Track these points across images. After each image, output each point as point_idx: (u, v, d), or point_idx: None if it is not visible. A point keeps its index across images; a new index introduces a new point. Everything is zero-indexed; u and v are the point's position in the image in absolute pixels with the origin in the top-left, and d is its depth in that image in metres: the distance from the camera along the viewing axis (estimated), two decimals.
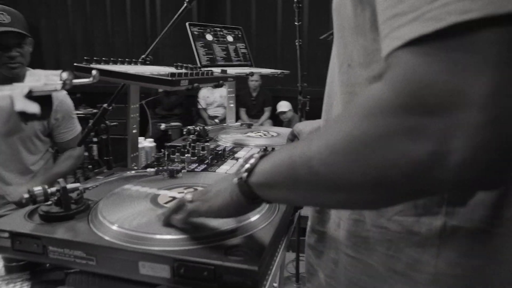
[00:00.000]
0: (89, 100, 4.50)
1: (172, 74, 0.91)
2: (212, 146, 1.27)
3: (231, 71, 1.57)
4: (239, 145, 1.33)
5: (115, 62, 1.10)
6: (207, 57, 1.70)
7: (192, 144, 1.24)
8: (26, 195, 0.74)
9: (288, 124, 4.85)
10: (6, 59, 1.53)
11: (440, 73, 0.31)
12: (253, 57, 1.87)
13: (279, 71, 1.73)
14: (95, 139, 3.36)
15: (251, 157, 0.55)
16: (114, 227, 0.67)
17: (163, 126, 1.75)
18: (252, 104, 5.36)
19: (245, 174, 0.53)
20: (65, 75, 0.50)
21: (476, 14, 0.30)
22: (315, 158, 0.41)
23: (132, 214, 0.72)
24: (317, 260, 0.70)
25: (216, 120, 4.79)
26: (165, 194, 0.82)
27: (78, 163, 1.87)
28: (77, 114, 1.88)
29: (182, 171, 0.98)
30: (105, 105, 1.34)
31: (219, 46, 1.80)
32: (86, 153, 3.30)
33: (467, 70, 0.30)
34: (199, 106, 5.44)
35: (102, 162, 3.20)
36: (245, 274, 0.57)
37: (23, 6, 5.66)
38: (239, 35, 1.94)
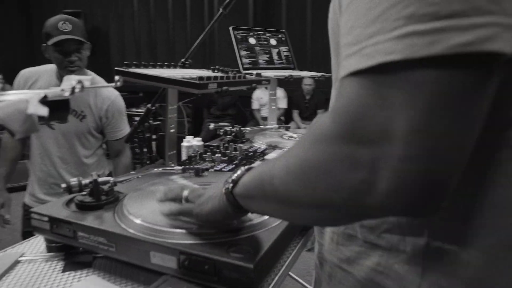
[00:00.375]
0: (151, 99, 4.76)
1: (200, 78, 0.96)
2: (245, 147, 1.31)
3: (270, 73, 1.60)
4: (272, 147, 1.36)
5: (154, 66, 1.18)
6: (249, 60, 1.75)
7: (225, 145, 1.29)
8: (64, 185, 0.83)
9: None
10: (66, 63, 1.70)
11: (371, 107, 0.33)
12: (307, 61, 1.89)
13: (319, 74, 1.73)
14: (154, 136, 3.60)
15: (238, 168, 0.58)
16: (132, 218, 0.73)
17: (212, 126, 1.83)
18: (305, 106, 5.34)
19: (230, 185, 0.57)
20: (74, 82, 0.57)
21: (397, 56, 0.31)
22: (276, 177, 0.44)
23: (150, 208, 0.78)
24: (320, 270, 0.71)
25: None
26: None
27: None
28: (139, 112, 2.01)
29: (210, 170, 1.04)
30: (148, 105, 1.43)
31: (262, 49, 1.84)
32: (145, 150, 3.56)
33: (393, 106, 0.32)
34: (253, 107, 5.54)
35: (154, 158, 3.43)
36: (241, 271, 0.60)
37: (95, 11, 6.16)
38: (283, 38, 1.96)
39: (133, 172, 1.03)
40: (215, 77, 1.03)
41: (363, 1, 0.35)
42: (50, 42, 1.65)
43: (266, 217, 0.74)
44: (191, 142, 1.90)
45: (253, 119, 5.60)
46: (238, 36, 1.80)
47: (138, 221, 0.72)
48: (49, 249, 0.85)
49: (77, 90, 0.55)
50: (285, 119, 5.55)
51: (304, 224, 0.70)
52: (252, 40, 1.83)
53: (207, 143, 1.40)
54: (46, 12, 6.71)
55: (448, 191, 0.34)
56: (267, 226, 0.73)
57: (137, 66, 1.12)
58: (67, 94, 0.51)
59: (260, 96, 5.50)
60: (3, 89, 6.00)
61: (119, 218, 0.76)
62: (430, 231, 0.47)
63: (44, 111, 0.44)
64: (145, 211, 0.77)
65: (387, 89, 0.33)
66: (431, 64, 0.31)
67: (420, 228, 0.48)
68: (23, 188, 2.02)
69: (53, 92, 0.50)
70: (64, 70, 1.71)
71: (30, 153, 1.93)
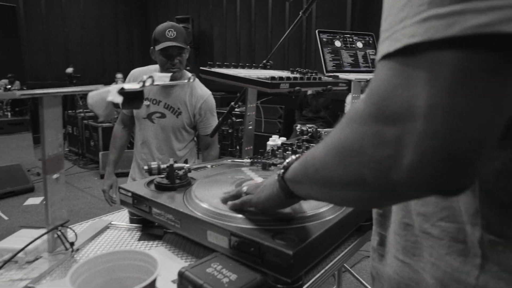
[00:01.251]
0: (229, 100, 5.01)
1: (272, 78, 1.02)
2: None
3: (352, 76, 1.59)
4: None
5: (236, 67, 1.27)
6: (334, 63, 1.76)
7: (298, 144, 1.33)
8: (146, 167, 0.96)
9: None
10: (169, 65, 1.92)
11: (397, 87, 0.35)
12: None
13: None
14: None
15: (290, 156, 0.62)
16: (197, 201, 0.82)
17: (298, 127, 1.88)
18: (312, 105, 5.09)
19: (281, 171, 0.61)
20: (145, 77, 0.67)
21: (419, 39, 0.34)
22: (317, 158, 0.48)
23: (214, 194, 0.87)
24: (379, 263, 0.71)
25: None
26: (253, 181, 0.94)
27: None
28: (235, 111, 2.18)
29: (277, 165, 1.09)
30: (232, 103, 1.54)
31: (347, 52, 1.83)
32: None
33: (416, 85, 0.34)
34: (346, 111, 5.43)
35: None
36: (281, 257, 0.64)
37: (202, 17, 6.66)
38: (370, 41, 1.92)
39: (206, 163, 1.13)
40: (288, 78, 1.08)
41: None
42: (157, 47, 1.88)
43: (319, 210, 0.77)
44: (276, 141, 1.98)
45: None
46: (324, 39, 1.82)
47: (200, 203, 0.81)
48: (131, 220, 0.99)
49: (147, 84, 0.65)
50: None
51: (345, 205, 0.73)
52: (337, 43, 1.83)
53: (284, 142, 1.45)
54: (162, 18, 7.50)
55: (474, 169, 0.34)
56: (319, 219, 0.76)
57: (220, 66, 1.22)
58: (138, 86, 0.61)
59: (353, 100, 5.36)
60: None
61: (186, 200, 0.86)
62: (482, 222, 0.46)
63: (119, 99, 0.55)
64: (209, 195, 0.85)
65: (412, 70, 0.35)
66: (450, 46, 0.32)
67: (475, 218, 0.47)
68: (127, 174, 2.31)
69: (129, 84, 0.61)
70: (166, 71, 1.94)
71: (134, 142, 2.20)
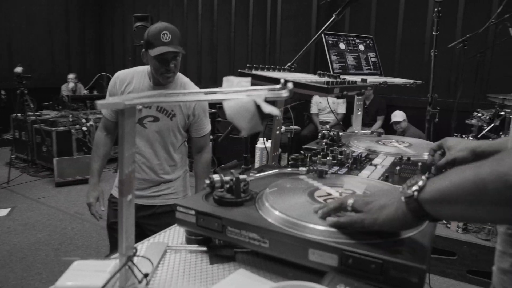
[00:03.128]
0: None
1: (327, 82, 0.99)
2: (347, 152, 1.32)
3: (358, 78, 1.60)
4: (372, 152, 1.36)
5: (268, 69, 1.22)
6: (339, 65, 1.75)
7: (330, 148, 1.30)
8: (207, 181, 0.88)
9: (402, 134, 4.65)
10: (164, 70, 1.81)
11: None
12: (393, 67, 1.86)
13: (411, 81, 1.70)
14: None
15: (416, 177, 0.61)
16: (287, 217, 0.76)
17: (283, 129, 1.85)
18: (364, 112, 5.25)
19: (415, 193, 0.59)
20: (290, 85, 0.60)
21: None
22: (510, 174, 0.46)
23: (295, 205, 0.81)
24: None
25: (327, 126, 4.82)
26: (323, 190, 0.90)
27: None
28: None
29: (331, 172, 1.06)
30: None
31: (351, 55, 1.83)
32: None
33: None
34: (312, 111, 5.54)
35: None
36: (412, 271, 0.61)
37: (162, 16, 6.42)
38: (370, 44, 1.95)
39: (253, 171, 1.06)
40: (337, 82, 1.05)
41: None
42: (153, 53, 1.75)
43: None
44: (266, 144, 1.94)
45: (310, 123, 5.59)
46: (330, 41, 1.81)
47: (291, 218, 0.75)
48: (188, 241, 0.90)
49: (289, 93, 0.58)
50: (344, 124, 5.49)
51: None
52: (342, 46, 1.84)
53: (306, 146, 1.42)
54: (117, 16, 7.13)
55: None
56: (416, 229, 0.73)
57: (256, 69, 1.16)
58: (285, 94, 0.55)
59: (319, 101, 5.47)
60: (76, 87, 6.39)
61: (266, 214, 0.79)
62: None
63: (276, 111, 0.48)
64: (290, 207, 0.80)
65: None
66: None
67: None
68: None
69: (271, 93, 0.54)
70: (160, 76, 1.82)
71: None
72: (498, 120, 3.05)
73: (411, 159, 1.25)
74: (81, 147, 5.40)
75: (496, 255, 0.73)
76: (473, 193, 0.52)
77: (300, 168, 1.04)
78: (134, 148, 0.70)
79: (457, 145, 1.02)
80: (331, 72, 1.70)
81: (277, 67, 1.28)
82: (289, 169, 1.06)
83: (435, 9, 1.85)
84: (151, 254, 0.82)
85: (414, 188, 0.60)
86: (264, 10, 5.79)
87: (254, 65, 1.17)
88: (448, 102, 4.99)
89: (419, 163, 1.16)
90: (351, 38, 1.89)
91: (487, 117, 3.19)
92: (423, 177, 0.61)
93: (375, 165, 1.19)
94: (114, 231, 2.03)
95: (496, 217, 0.55)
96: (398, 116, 4.76)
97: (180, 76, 2.00)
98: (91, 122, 5.46)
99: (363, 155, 1.30)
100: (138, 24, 5.64)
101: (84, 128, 5.36)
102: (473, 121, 3.27)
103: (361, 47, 1.90)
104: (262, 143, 1.88)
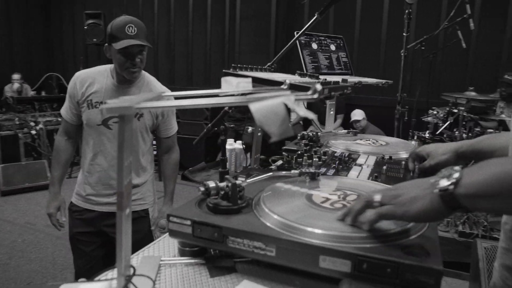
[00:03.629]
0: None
1: (321, 83, 0.97)
2: (330, 152, 1.32)
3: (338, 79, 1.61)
4: (353, 152, 1.37)
5: (251, 69, 1.18)
6: (313, 65, 1.75)
7: (313, 149, 1.29)
8: (202, 188, 0.83)
9: (362, 132, 4.79)
10: (129, 64, 1.72)
11: None
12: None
13: (383, 81, 1.74)
14: None
15: (450, 169, 0.60)
16: (291, 223, 0.73)
17: (250, 129, 1.83)
18: (324, 110, 5.35)
19: (451, 186, 0.59)
20: (319, 86, 0.57)
21: None
22: None
23: (297, 210, 0.79)
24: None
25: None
26: (318, 194, 0.87)
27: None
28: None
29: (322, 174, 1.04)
30: (226, 107, 1.44)
31: (323, 55, 1.84)
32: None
33: None
34: None
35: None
36: (429, 273, 0.60)
37: (116, 13, 6.15)
38: (341, 44, 1.97)
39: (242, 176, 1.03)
40: (326, 83, 1.04)
41: None
42: (117, 46, 1.66)
43: None
44: (233, 145, 1.91)
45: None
46: (302, 41, 1.80)
47: (299, 225, 0.72)
48: (182, 253, 0.85)
49: (322, 95, 0.55)
50: (304, 123, 5.56)
51: None
52: (314, 46, 1.84)
53: (286, 148, 1.40)
54: (66, 12, 6.73)
55: None
56: (423, 228, 0.73)
57: (240, 69, 1.12)
58: (316, 96, 0.51)
59: None
60: (22, 88, 5.95)
61: (269, 222, 0.76)
62: None
63: (311, 114, 0.45)
64: (295, 214, 0.77)
65: None
66: None
67: None
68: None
69: (303, 96, 0.51)
70: (125, 72, 1.73)
71: (82, 155, 1.92)
72: (452, 118, 3.22)
73: (393, 157, 1.27)
74: (30, 152, 5.05)
75: (499, 252, 0.75)
76: (506, 188, 0.53)
77: (292, 171, 1.02)
78: (131, 158, 0.63)
79: (438, 149, 1.05)
80: (305, 72, 1.69)
81: (259, 67, 1.25)
82: (283, 173, 1.03)
83: (406, 11, 1.91)
84: (147, 271, 0.76)
85: (450, 181, 0.60)
86: (223, 10, 5.73)
87: (238, 65, 1.13)
88: (405, 101, 5.23)
89: (402, 162, 1.18)
90: (322, 38, 1.90)
91: (442, 115, 3.36)
92: (456, 167, 0.61)
93: (361, 165, 1.20)
94: (78, 242, 1.90)
95: None
96: (357, 114, 4.89)
97: (145, 74, 1.92)
98: (40, 126, 5.11)
99: (346, 155, 1.30)
100: (90, 21, 5.37)
101: (33, 132, 5.01)
102: (429, 119, 3.44)
103: (332, 47, 1.92)
104: (232, 144, 1.85)
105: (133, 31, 1.71)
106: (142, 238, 1.84)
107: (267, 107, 0.44)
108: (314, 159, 1.17)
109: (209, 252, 0.84)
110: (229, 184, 0.83)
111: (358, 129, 4.90)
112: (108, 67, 1.84)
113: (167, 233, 0.92)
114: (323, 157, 1.25)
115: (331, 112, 1.90)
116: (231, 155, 1.89)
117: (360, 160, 1.26)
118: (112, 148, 1.84)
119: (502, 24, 4.43)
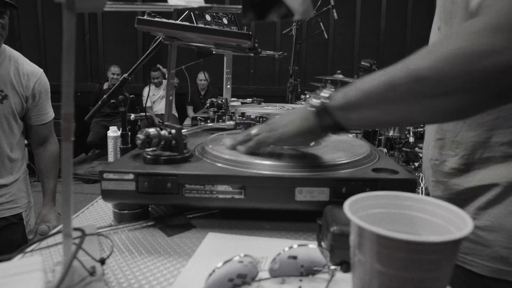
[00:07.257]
0: None
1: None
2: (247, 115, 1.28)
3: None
4: (268, 115, 1.35)
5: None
6: None
7: (231, 112, 1.23)
8: (141, 137, 0.69)
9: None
10: None
11: None
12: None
13: (279, 52, 1.78)
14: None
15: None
16: (261, 161, 0.66)
17: (132, 116, 1.68)
18: (200, 102, 5.32)
19: (326, 100, 0.59)
20: None
21: None
22: (424, 68, 0.47)
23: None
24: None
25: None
26: None
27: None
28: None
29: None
30: (125, 75, 1.29)
31: (218, 27, 1.80)
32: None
33: None
34: (145, 105, 5.25)
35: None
36: (404, 184, 0.62)
37: None
38: (232, 19, 1.95)
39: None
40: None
41: None
42: None
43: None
44: (117, 132, 1.73)
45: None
46: (196, 12, 1.73)
47: (270, 161, 0.66)
48: (120, 218, 0.70)
49: None
50: (178, 114, 5.43)
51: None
52: (208, 17, 1.78)
53: (195, 115, 1.30)
54: None
55: None
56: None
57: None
58: None
59: (151, 94, 5.25)
60: None
61: (231, 165, 0.67)
62: None
63: None
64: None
65: None
66: None
67: None
68: None
69: None
70: None
71: None
72: None
73: None
74: None
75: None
76: (385, 94, 0.52)
77: (227, 122, 0.94)
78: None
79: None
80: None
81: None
82: (212, 124, 0.94)
83: None
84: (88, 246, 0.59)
85: (322, 98, 0.59)
86: None
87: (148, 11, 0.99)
88: (273, 90, 5.54)
89: None
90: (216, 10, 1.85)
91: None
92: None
93: None
94: None
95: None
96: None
97: (7, 47, 1.56)
98: None
99: (262, 117, 1.28)
100: None
101: None
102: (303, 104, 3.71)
103: (225, 21, 1.88)
104: (116, 131, 1.65)
105: None
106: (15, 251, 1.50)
107: None
108: (236, 117, 1.12)
109: (151, 214, 0.72)
110: (173, 131, 0.72)
111: None
112: None
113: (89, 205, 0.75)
114: (243, 118, 1.21)
115: (228, 86, 1.86)
116: (115, 143, 1.69)
117: None
118: None
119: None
